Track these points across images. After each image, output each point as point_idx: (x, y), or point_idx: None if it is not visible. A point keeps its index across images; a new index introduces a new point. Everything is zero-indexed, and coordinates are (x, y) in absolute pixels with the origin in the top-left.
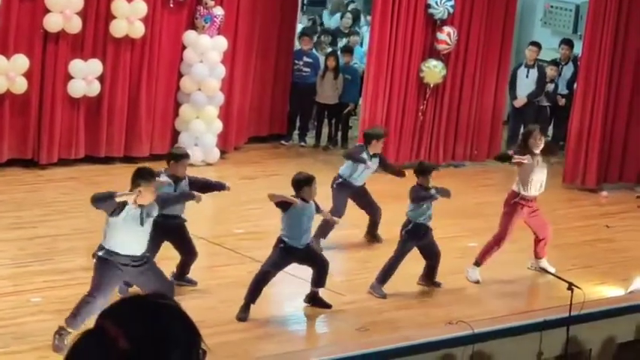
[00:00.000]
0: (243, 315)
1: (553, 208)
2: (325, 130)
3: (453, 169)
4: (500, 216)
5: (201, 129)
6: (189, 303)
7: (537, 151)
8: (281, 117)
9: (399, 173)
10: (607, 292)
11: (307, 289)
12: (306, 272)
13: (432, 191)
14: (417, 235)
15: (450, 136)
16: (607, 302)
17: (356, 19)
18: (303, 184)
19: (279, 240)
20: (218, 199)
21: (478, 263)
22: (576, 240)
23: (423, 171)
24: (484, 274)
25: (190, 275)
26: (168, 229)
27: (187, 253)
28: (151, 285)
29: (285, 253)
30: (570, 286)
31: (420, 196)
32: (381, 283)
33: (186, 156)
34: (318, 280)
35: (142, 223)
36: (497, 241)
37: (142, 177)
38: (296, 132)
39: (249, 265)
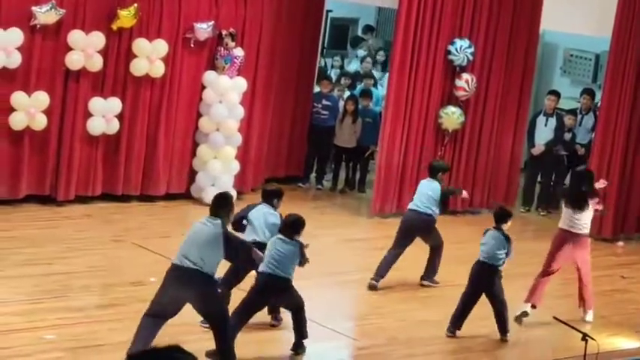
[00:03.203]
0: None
1: None
2: (343, 174)
3: (470, 215)
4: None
5: (218, 169)
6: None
7: None
8: (298, 159)
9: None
10: (622, 343)
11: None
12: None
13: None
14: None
15: (467, 182)
16: (622, 354)
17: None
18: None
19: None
20: None
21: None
22: (591, 290)
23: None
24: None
25: None
26: None
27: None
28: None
29: None
30: (585, 337)
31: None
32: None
33: None
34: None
35: None
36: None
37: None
38: (313, 174)
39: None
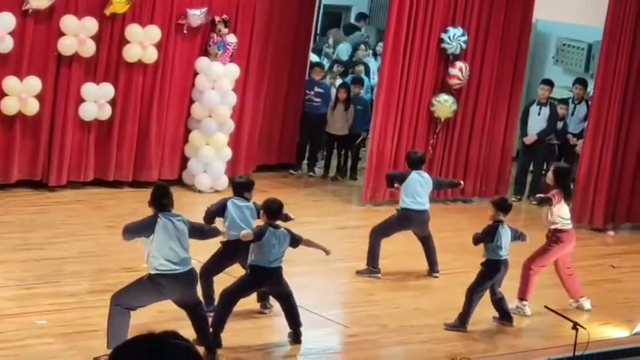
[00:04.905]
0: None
1: None
2: (334, 161)
3: (461, 204)
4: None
5: (210, 156)
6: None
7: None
8: (290, 146)
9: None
10: (612, 332)
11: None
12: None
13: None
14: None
15: (459, 171)
16: (612, 343)
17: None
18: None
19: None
20: None
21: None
22: (582, 279)
23: (503, 208)
24: (491, 311)
25: None
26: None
27: None
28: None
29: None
30: (575, 326)
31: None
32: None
33: None
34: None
35: None
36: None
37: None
38: (305, 162)
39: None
